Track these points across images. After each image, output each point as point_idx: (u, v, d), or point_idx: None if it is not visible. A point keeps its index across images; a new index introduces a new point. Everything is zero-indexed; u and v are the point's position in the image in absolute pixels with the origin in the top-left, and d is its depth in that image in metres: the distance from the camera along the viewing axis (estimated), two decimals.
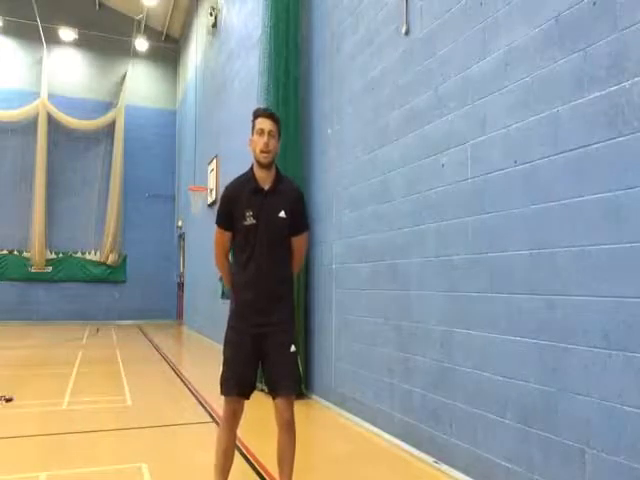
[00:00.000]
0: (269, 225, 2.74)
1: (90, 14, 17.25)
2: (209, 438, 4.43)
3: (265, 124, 2.77)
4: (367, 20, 5.02)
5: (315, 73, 6.28)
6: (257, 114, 2.84)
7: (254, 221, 2.70)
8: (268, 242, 2.73)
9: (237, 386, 2.72)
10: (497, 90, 3.33)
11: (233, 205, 2.74)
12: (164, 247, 17.23)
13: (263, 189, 2.79)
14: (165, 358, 9.06)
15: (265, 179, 2.80)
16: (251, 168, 2.82)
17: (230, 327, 2.77)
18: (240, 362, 2.72)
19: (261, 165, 2.79)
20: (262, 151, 2.75)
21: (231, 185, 2.83)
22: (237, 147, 8.79)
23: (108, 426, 4.93)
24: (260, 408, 5.80)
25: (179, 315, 16.70)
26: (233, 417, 2.78)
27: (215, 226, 2.86)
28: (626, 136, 2.50)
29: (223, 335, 2.81)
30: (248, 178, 2.80)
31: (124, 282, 17.30)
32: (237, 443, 4.30)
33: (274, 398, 2.75)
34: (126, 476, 3.64)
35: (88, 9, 17.30)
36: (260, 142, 2.74)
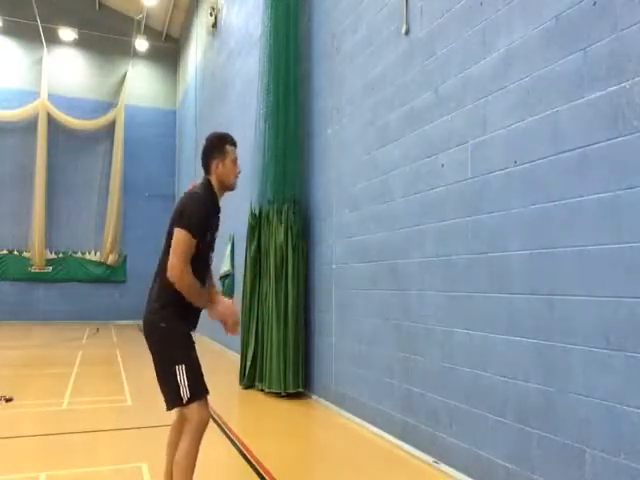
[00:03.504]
0: (214, 245, 2.89)
1: (90, 14, 17.26)
2: (209, 438, 4.43)
3: (236, 153, 2.89)
4: (367, 20, 5.02)
5: (315, 73, 6.28)
6: (231, 142, 2.88)
7: (210, 240, 2.81)
8: (210, 260, 2.91)
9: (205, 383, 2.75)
10: (497, 90, 3.33)
11: (208, 220, 2.74)
12: None
13: (220, 211, 2.90)
14: None
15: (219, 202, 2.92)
16: (211, 190, 2.80)
17: (181, 332, 2.71)
18: (198, 360, 2.73)
19: (229, 190, 2.89)
20: (236, 178, 2.88)
21: (206, 202, 2.74)
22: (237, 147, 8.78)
23: (108, 426, 4.93)
24: (259, 408, 5.82)
25: None
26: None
27: (184, 232, 2.58)
28: (626, 136, 2.50)
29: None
30: (213, 200, 2.81)
31: (124, 282, 17.31)
32: (237, 442, 4.32)
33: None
34: (126, 476, 3.64)
35: (88, 9, 17.31)
36: (235, 170, 2.87)
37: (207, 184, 2.81)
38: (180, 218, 2.63)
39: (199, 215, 2.65)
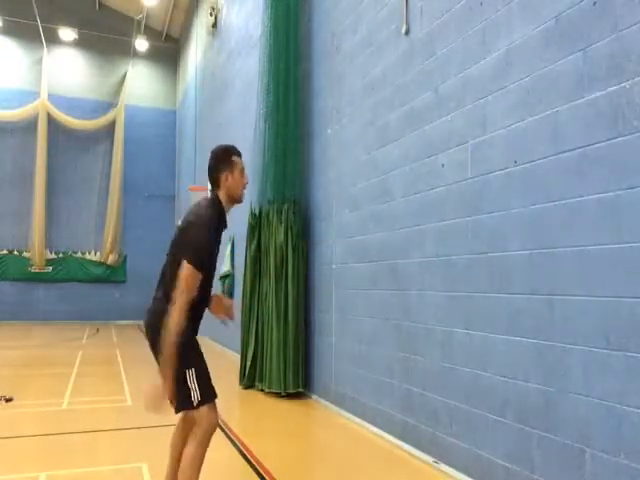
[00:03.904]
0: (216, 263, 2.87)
1: (90, 14, 17.27)
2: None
3: (243, 163, 2.86)
4: (367, 20, 5.02)
5: (315, 73, 6.28)
6: (237, 152, 2.86)
7: (215, 259, 2.81)
8: (212, 281, 2.89)
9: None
10: (497, 90, 3.33)
11: (212, 246, 2.70)
12: (164, 247, 16.96)
13: (227, 226, 2.87)
14: None
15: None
16: (219, 207, 2.75)
17: (190, 337, 2.74)
18: (206, 364, 2.76)
19: (237, 202, 2.86)
20: (244, 189, 2.86)
21: (214, 224, 2.67)
22: (237, 147, 8.78)
23: (108, 426, 4.93)
24: (259, 408, 5.81)
25: None
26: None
27: (191, 269, 2.53)
28: (626, 136, 2.50)
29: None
30: (220, 219, 2.75)
31: (124, 282, 17.31)
32: (237, 443, 4.32)
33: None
34: (126, 476, 3.64)
35: (88, 9, 17.32)
36: (243, 181, 2.84)
37: (215, 201, 2.76)
38: (186, 248, 2.60)
39: (203, 244, 2.60)
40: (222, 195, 2.78)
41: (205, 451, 2.65)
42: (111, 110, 17.48)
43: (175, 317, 2.50)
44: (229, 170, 2.77)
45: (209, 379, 2.70)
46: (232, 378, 6.84)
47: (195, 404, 2.60)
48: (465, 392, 3.52)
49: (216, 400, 2.70)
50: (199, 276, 2.58)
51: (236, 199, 2.83)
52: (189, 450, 2.62)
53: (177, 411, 2.70)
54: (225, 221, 2.84)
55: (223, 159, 2.80)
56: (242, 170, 2.83)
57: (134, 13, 16.76)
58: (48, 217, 16.55)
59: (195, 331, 2.83)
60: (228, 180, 2.77)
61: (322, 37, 6.09)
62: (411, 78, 4.26)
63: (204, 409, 2.62)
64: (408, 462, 3.94)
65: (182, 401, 2.63)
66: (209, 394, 2.66)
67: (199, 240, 2.61)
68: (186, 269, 2.55)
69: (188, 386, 2.60)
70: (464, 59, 3.65)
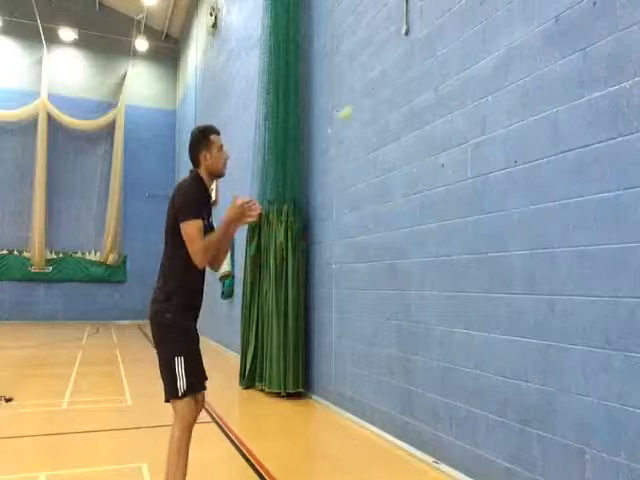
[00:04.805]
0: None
1: (90, 14, 17.27)
2: (209, 438, 4.43)
3: (221, 140, 2.94)
4: (367, 20, 5.02)
5: (315, 73, 6.28)
6: (215, 131, 2.94)
7: (206, 226, 2.84)
8: None
9: (204, 379, 2.78)
10: (497, 90, 3.33)
11: (201, 202, 2.80)
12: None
13: (211, 199, 2.96)
14: None
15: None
16: (199, 180, 2.85)
17: (186, 325, 2.75)
18: (199, 354, 2.77)
19: (219, 176, 2.95)
20: (224, 165, 2.93)
21: (196, 187, 2.80)
22: (237, 147, 8.78)
23: (108, 426, 4.93)
24: (259, 408, 5.82)
25: None
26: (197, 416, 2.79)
27: (187, 222, 2.63)
28: (626, 136, 2.50)
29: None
30: (203, 187, 2.86)
31: (124, 282, 17.31)
32: (237, 442, 4.32)
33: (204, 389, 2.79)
34: (126, 476, 3.63)
35: (88, 9, 17.32)
36: (223, 157, 2.91)
37: (195, 176, 2.86)
38: (178, 213, 2.69)
39: (193, 200, 2.72)
40: (202, 172, 2.87)
41: (189, 437, 2.68)
42: (111, 110, 17.49)
43: (205, 251, 2.63)
44: (207, 149, 2.85)
45: (198, 370, 2.71)
46: (232, 378, 6.84)
47: (180, 394, 2.63)
48: (465, 392, 3.52)
49: (204, 392, 2.73)
50: (198, 222, 2.65)
51: (216, 174, 2.92)
52: (174, 436, 2.66)
53: (166, 399, 2.72)
54: (209, 194, 2.94)
55: (201, 139, 2.88)
56: (220, 147, 2.90)
57: (134, 13, 16.76)
58: (48, 217, 16.55)
59: (193, 317, 2.83)
60: (207, 159, 2.85)
61: (322, 37, 6.09)
62: (411, 78, 4.26)
63: (186, 400, 2.65)
64: (408, 462, 3.94)
65: (169, 389, 2.67)
66: (195, 386, 2.68)
67: (185, 199, 2.70)
68: (183, 226, 2.64)
69: (176, 374, 2.62)
70: (464, 59, 3.65)
